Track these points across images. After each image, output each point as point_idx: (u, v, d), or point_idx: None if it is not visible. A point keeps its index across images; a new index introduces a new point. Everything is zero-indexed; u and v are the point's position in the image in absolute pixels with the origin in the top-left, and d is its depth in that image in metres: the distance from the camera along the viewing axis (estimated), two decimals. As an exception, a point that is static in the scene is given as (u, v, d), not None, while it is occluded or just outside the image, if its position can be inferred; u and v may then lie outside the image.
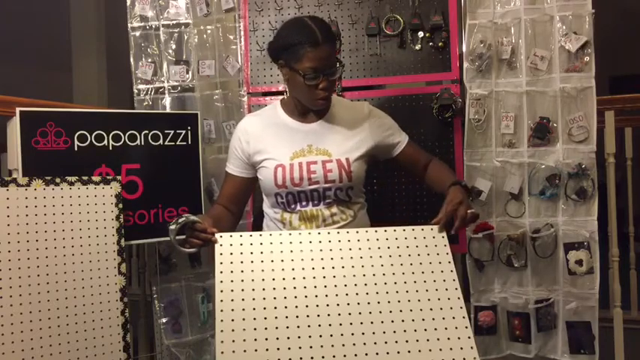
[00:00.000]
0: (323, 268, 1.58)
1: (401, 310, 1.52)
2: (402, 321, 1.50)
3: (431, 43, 2.35)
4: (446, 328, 1.50)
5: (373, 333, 1.48)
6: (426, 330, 1.49)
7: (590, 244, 2.17)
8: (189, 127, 2.28)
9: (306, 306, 1.50)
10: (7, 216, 1.77)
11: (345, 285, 1.55)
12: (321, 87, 1.76)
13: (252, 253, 1.58)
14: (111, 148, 2.12)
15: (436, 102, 2.32)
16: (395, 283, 1.57)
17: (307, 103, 1.83)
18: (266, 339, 1.44)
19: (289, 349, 1.43)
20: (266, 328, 1.45)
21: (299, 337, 1.45)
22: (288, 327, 1.46)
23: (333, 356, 1.43)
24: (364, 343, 1.46)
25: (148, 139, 2.20)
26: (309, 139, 1.84)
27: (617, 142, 2.51)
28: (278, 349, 1.42)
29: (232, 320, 1.45)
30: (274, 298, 1.51)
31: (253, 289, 1.51)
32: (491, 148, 2.25)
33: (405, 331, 1.49)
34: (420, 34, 2.35)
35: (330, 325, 1.48)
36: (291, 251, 1.60)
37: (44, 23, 6.05)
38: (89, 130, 2.08)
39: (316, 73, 1.74)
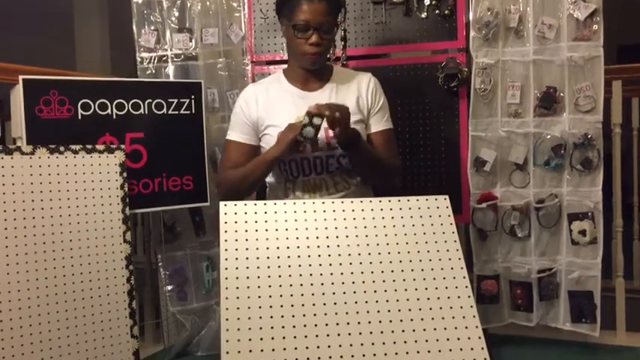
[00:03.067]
0: (327, 237, 1.58)
1: (404, 279, 1.53)
2: (405, 290, 1.51)
3: (437, 11, 2.32)
4: (448, 297, 1.51)
5: (376, 301, 1.49)
6: (428, 299, 1.51)
7: (595, 214, 2.16)
8: (192, 96, 2.27)
9: (310, 274, 1.51)
10: (12, 184, 1.77)
11: (349, 254, 1.56)
12: (311, 41, 1.77)
13: (256, 222, 1.59)
14: (114, 117, 2.11)
15: (442, 71, 2.30)
16: (398, 252, 1.57)
17: (298, 59, 1.84)
18: (270, 306, 1.45)
19: (293, 316, 1.44)
20: (270, 296, 1.46)
21: (303, 305, 1.46)
22: (292, 295, 1.47)
23: (337, 323, 1.44)
24: (367, 311, 1.47)
25: (152, 108, 2.19)
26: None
27: (623, 112, 2.49)
28: (282, 316, 1.44)
29: (237, 288, 1.47)
30: (279, 266, 1.52)
31: (258, 258, 1.52)
32: (497, 118, 2.24)
33: (407, 299, 1.50)
34: (427, 1, 2.32)
35: (333, 293, 1.49)
36: (296, 220, 1.60)
37: (46, -10, 5.98)
38: (92, 99, 2.07)
39: (307, 25, 1.75)
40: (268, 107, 1.87)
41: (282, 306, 1.45)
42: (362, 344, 1.42)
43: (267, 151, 1.83)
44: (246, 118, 1.89)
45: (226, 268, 1.50)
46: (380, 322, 1.46)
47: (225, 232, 1.56)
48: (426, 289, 1.52)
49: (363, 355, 1.41)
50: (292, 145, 1.72)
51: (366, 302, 1.48)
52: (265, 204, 1.64)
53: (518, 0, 2.18)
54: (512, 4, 2.19)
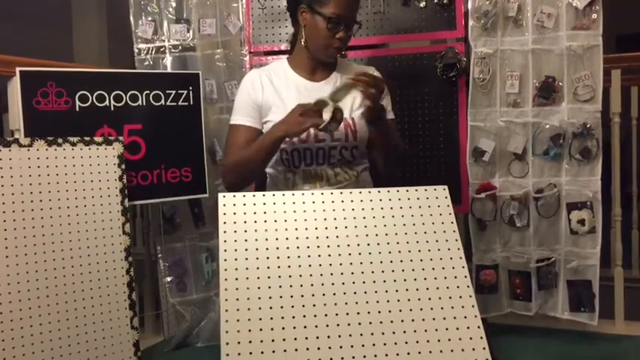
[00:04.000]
0: (326, 228, 1.58)
1: (403, 270, 1.53)
2: (404, 280, 1.51)
3: (436, 1, 2.31)
4: (447, 287, 1.51)
5: (375, 291, 1.49)
6: (427, 289, 1.51)
7: (593, 203, 2.17)
8: (190, 87, 2.26)
9: (309, 265, 1.51)
10: (10, 176, 1.77)
11: (348, 245, 1.56)
12: (339, 36, 1.78)
13: (255, 213, 1.59)
14: (112, 109, 2.10)
15: (440, 61, 2.30)
16: (397, 242, 1.57)
17: (320, 51, 1.83)
18: (270, 297, 1.45)
19: (293, 307, 1.44)
20: (270, 287, 1.47)
21: (302, 296, 1.46)
22: (291, 285, 1.47)
23: (336, 314, 1.44)
24: (366, 302, 1.47)
25: (150, 100, 2.18)
26: (316, 96, 1.83)
27: (622, 101, 2.49)
28: (282, 307, 1.44)
29: (236, 279, 1.47)
30: (278, 257, 1.52)
31: (257, 249, 1.52)
32: (496, 108, 2.24)
33: (406, 289, 1.50)
34: (425, -10, 2.31)
35: (333, 283, 1.49)
36: (295, 211, 1.60)
37: (42, -19, 5.95)
38: (90, 90, 2.06)
39: (339, 19, 1.75)
40: (272, 94, 1.85)
41: (281, 297, 1.46)
42: (361, 334, 1.42)
43: (274, 130, 1.75)
44: (252, 101, 1.86)
45: (225, 260, 1.50)
46: (379, 312, 1.46)
47: (224, 223, 1.56)
48: (425, 279, 1.52)
49: (363, 345, 1.41)
50: (304, 131, 1.71)
51: (365, 292, 1.49)
52: (264, 195, 1.63)
53: (517, -11, 2.18)
54: (511, -7, 2.18)
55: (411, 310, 1.47)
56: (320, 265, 1.52)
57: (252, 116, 1.87)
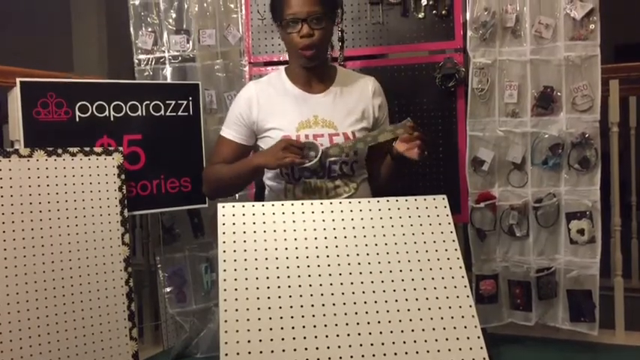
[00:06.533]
0: (325, 238, 1.58)
1: (402, 280, 1.53)
2: (404, 290, 1.51)
3: (434, 11, 2.32)
4: (447, 297, 1.51)
5: (375, 302, 1.49)
6: (427, 299, 1.50)
7: (593, 213, 2.17)
8: (190, 98, 2.27)
9: (309, 275, 1.51)
10: (9, 187, 1.77)
11: (348, 255, 1.56)
12: (302, 33, 1.75)
13: (254, 223, 1.59)
14: (112, 119, 2.11)
15: (439, 71, 2.31)
16: (397, 252, 1.57)
17: (295, 56, 1.82)
18: (269, 308, 1.45)
19: (292, 317, 1.44)
20: (269, 297, 1.46)
21: (302, 306, 1.46)
22: (291, 296, 1.47)
23: (336, 324, 1.44)
24: (366, 312, 1.47)
25: (150, 110, 2.19)
26: (315, 109, 1.83)
27: (620, 111, 2.50)
28: (281, 317, 1.44)
29: (236, 290, 1.46)
30: (277, 268, 1.51)
31: (256, 259, 1.52)
32: (495, 118, 2.24)
33: (406, 300, 1.50)
34: (424, 1, 2.32)
35: (332, 294, 1.49)
36: (294, 221, 1.60)
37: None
38: (90, 101, 2.07)
39: (295, 18, 1.74)
40: (270, 108, 1.85)
41: (281, 307, 1.45)
42: (361, 345, 1.42)
43: (255, 157, 1.82)
44: (243, 120, 1.87)
45: (225, 270, 1.50)
46: (379, 322, 1.46)
47: (224, 233, 1.56)
48: (425, 289, 1.52)
49: (362, 356, 1.41)
50: (287, 166, 1.73)
51: (365, 303, 1.48)
52: (263, 205, 1.63)
53: (515, 0, 2.19)
54: (509, 4, 2.20)
55: (410, 320, 1.47)
56: (320, 275, 1.51)
57: (238, 132, 1.88)
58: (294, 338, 1.41)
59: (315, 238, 1.58)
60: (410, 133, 1.70)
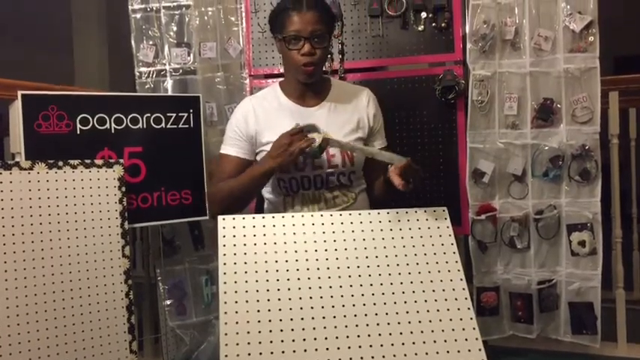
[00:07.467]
0: (326, 250, 1.58)
1: (403, 292, 1.52)
2: (405, 302, 1.51)
3: (434, 24, 2.33)
4: (448, 310, 1.51)
5: (376, 314, 1.48)
6: (428, 311, 1.50)
7: (594, 225, 2.17)
8: (191, 110, 2.27)
9: (309, 288, 1.51)
10: (10, 199, 1.77)
11: (348, 267, 1.56)
12: (303, 51, 1.76)
13: (255, 235, 1.59)
14: (113, 132, 2.11)
15: (439, 83, 2.31)
16: (397, 264, 1.57)
17: (294, 72, 1.83)
18: (269, 320, 1.44)
19: (292, 330, 1.43)
20: (269, 310, 1.46)
21: (302, 319, 1.46)
22: (291, 309, 1.47)
23: (336, 337, 1.44)
24: (367, 324, 1.46)
25: (150, 122, 2.19)
26: (310, 122, 1.83)
27: (620, 122, 2.50)
28: (281, 330, 1.43)
29: (236, 302, 1.46)
30: (278, 280, 1.51)
31: (257, 272, 1.52)
32: (495, 130, 2.25)
33: (407, 312, 1.49)
34: (423, 14, 2.33)
35: (333, 306, 1.48)
36: (294, 234, 1.60)
37: (45, 5, 6.01)
38: (91, 114, 2.07)
39: (298, 35, 1.74)
40: (265, 123, 1.86)
41: (281, 320, 1.45)
42: (362, 358, 1.42)
43: (261, 164, 1.80)
44: (241, 134, 1.88)
45: (225, 282, 1.49)
46: (379, 334, 1.45)
47: (224, 246, 1.56)
48: (426, 301, 1.52)
49: (363, 369, 1.40)
50: (295, 159, 1.72)
51: (366, 315, 1.48)
52: (263, 217, 1.64)
53: (514, 12, 2.20)
54: (508, 17, 2.21)
55: (411, 332, 1.46)
56: (320, 287, 1.51)
57: (239, 147, 1.89)
58: (294, 351, 1.41)
59: (316, 251, 1.58)
60: (405, 167, 1.66)
